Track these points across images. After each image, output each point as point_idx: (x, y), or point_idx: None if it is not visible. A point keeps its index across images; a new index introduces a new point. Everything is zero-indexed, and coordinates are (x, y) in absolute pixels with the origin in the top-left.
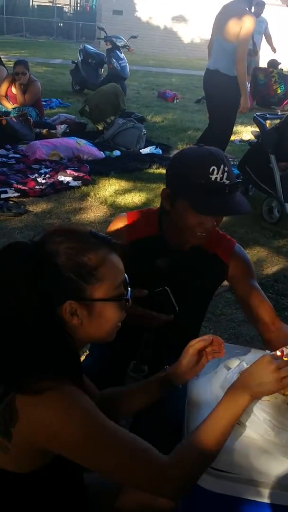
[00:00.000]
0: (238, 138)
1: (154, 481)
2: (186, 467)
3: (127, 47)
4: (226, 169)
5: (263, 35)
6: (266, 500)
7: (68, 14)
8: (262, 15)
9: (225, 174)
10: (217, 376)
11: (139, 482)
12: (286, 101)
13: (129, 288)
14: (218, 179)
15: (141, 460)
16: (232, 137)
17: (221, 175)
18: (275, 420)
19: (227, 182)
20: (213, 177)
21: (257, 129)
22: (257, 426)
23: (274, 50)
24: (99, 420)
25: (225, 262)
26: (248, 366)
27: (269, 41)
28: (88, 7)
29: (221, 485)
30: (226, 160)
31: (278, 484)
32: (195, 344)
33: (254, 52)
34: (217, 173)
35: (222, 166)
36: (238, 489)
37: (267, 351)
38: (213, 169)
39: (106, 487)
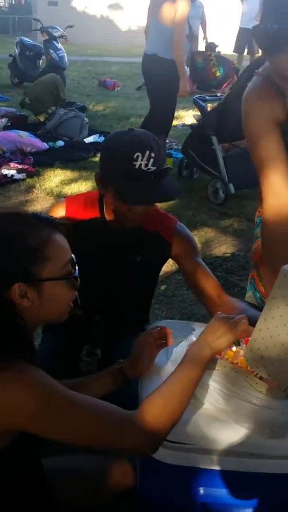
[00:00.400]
0: (180, 122)
1: (122, 435)
2: (151, 419)
3: (64, 37)
4: (152, 155)
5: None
6: (221, 467)
7: (3, 8)
8: None
9: (151, 160)
10: (167, 351)
11: (109, 440)
12: (226, 83)
13: (77, 267)
14: (142, 166)
15: (106, 417)
16: (175, 122)
17: (146, 162)
18: (225, 388)
19: (153, 168)
20: (137, 164)
21: (199, 113)
22: (209, 395)
23: (206, 38)
24: (56, 389)
25: (167, 241)
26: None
27: (204, 28)
28: (23, 0)
29: (177, 456)
30: (155, 145)
31: (231, 451)
32: (143, 338)
33: (192, 38)
34: (141, 160)
35: (147, 152)
36: (193, 459)
37: None
38: (137, 156)
39: (64, 471)
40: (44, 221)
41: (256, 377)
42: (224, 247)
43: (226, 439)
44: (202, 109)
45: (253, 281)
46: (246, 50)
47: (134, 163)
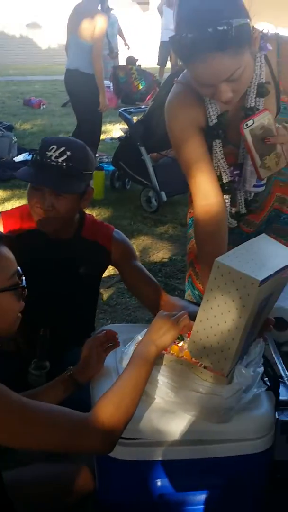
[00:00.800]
0: (108, 136)
1: (79, 438)
2: (105, 419)
3: None
4: (68, 153)
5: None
6: (174, 457)
7: None
8: (111, 13)
9: (64, 156)
10: (115, 353)
11: (66, 444)
12: (149, 96)
13: (23, 278)
14: (52, 157)
15: (61, 421)
16: (103, 136)
17: (57, 154)
18: (172, 381)
19: (60, 160)
20: (49, 154)
21: (126, 126)
22: (158, 390)
23: (127, 45)
24: (9, 395)
25: (106, 249)
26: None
27: (122, 36)
28: None
29: (131, 452)
30: (78, 148)
31: (182, 440)
32: (90, 342)
33: (112, 54)
34: (54, 152)
35: (63, 148)
36: (148, 453)
37: None
38: (53, 148)
39: (23, 482)
40: None
41: (200, 367)
42: (161, 253)
43: (177, 430)
44: (128, 121)
45: (190, 280)
46: (168, 63)
47: (47, 152)
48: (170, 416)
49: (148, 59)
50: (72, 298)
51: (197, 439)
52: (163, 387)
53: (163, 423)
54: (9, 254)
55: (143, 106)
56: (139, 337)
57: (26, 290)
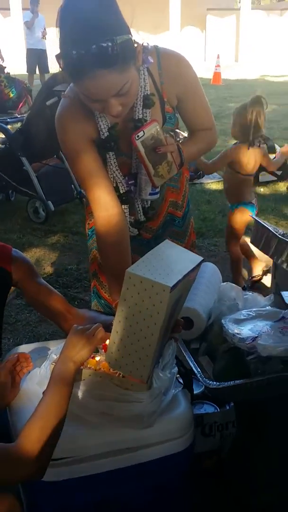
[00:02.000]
0: None
1: (8, 468)
2: (32, 445)
3: None
4: None
5: None
6: (102, 470)
7: None
8: None
9: None
10: (31, 376)
11: None
12: (21, 103)
13: None
14: None
15: None
16: None
17: None
18: (93, 394)
19: None
20: None
21: (2, 135)
22: (79, 406)
23: (1, 57)
24: None
25: (7, 270)
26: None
27: None
28: None
29: (58, 472)
30: None
31: (110, 451)
32: (3, 368)
33: None
34: None
35: None
36: (74, 470)
37: None
38: None
39: None
40: None
41: (119, 377)
42: (55, 264)
43: (103, 442)
44: (5, 131)
45: (95, 290)
46: (37, 69)
47: None
48: (94, 430)
49: (16, 66)
50: None
51: (124, 448)
52: (84, 402)
53: (88, 438)
54: None
55: (19, 116)
56: (54, 356)
57: None
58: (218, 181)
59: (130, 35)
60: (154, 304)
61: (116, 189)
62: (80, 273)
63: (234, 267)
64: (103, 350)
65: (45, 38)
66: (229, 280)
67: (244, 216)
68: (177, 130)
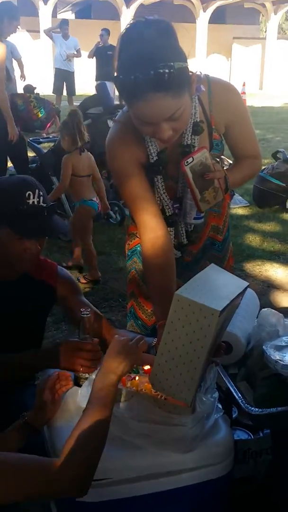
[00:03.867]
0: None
1: (52, 483)
2: (75, 461)
3: None
4: (41, 193)
5: (13, 60)
6: (143, 492)
7: None
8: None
9: (41, 198)
10: (71, 394)
11: (39, 490)
12: (49, 123)
13: None
14: (35, 203)
15: (32, 468)
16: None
17: (38, 199)
18: (135, 416)
19: (44, 205)
20: (30, 202)
21: (33, 154)
22: (122, 427)
23: (23, 77)
24: None
25: (52, 286)
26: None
27: (20, 67)
28: None
29: (99, 493)
30: (39, 185)
31: (150, 474)
32: (43, 386)
33: (10, 80)
34: (33, 198)
35: (37, 190)
36: (115, 492)
37: None
38: (29, 194)
39: None
40: None
41: (162, 399)
42: (82, 283)
43: (143, 464)
44: (38, 151)
45: (132, 310)
46: (64, 91)
47: (28, 201)
48: (135, 452)
49: (44, 88)
50: (21, 340)
51: (164, 471)
52: (125, 424)
53: (129, 460)
54: None
55: (51, 136)
56: (93, 376)
57: None
58: (245, 206)
59: (186, 63)
60: (202, 327)
61: (162, 211)
62: (106, 293)
63: (90, 260)
64: (143, 371)
65: (70, 61)
66: (265, 305)
67: (87, 212)
68: (222, 157)
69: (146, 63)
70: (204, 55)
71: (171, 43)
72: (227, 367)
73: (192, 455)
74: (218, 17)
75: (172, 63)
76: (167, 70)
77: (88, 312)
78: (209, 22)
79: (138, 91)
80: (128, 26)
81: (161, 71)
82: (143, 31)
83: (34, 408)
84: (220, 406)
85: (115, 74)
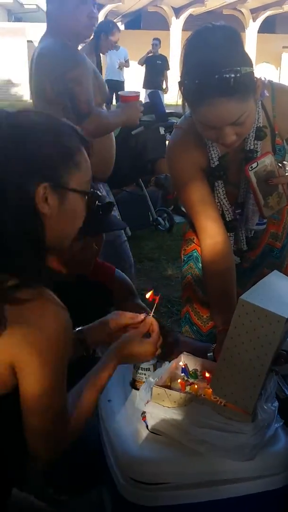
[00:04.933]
0: None
1: (58, 424)
2: (80, 425)
3: None
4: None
5: None
6: (200, 499)
7: None
8: None
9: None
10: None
11: (47, 424)
12: None
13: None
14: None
15: (59, 413)
16: None
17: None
18: (195, 421)
19: (99, 204)
20: None
21: None
22: (181, 432)
23: None
24: (60, 353)
25: (109, 288)
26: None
27: None
28: None
29: (156, 497)
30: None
31: (208, 481)
32: (123, 319)
33: None
34: None
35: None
36: (172, 497)
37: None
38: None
39: None
40: (77, 132)
41: (222, 405)
42: None
43: (201, 470)
44: None
45: (188, 316)
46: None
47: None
48: (194, 457)
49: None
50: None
51: (223, 479)
52: (185, 428)
53: (187, 465)
54: (88, 160)
55: None
56: (152, 380)
57: (96, 199)
58: None
59: (252, 68)
60: (267, 334)
61: (222, 216)
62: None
63: None
64: (201, 376)
65: (121, 69)
66: None
67: None
68: (285, 162)
69: (211, 68)
70: (253, 64)
71: (237, 49)
72: (285, 377)
73: (251, 464)
74: (267, 27)
75: (238, 68)
76: (233, 75)
77: (148, 315)
78: (259, 32)
79: (202, 96)
80: (194, 32)
81: (227, 76)
82: (209, 37)
83: (97, 325)
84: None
85: (180, 79)
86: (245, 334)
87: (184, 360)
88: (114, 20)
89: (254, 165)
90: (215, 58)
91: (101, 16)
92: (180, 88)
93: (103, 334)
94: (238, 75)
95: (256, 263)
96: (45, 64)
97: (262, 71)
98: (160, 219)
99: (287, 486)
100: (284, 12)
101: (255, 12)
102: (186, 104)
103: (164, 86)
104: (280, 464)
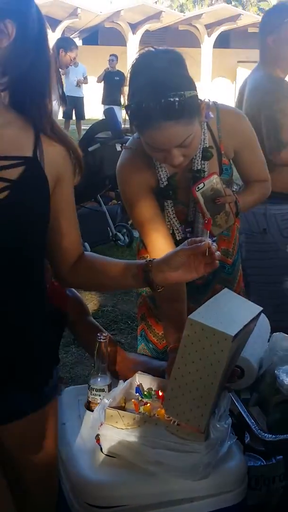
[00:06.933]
0: None
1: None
2: None
3: None
4: None
5: None
6: None
7: None
8: None
9: None
10: (85, 421)
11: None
12: None
13: None
14: None
15: None
16: None
17: None
18: (148, 442)
19: None
20: None
21: None
22: (135, 453)
23: None
24: None
25: (64, 311)
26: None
27: None
28: None
29: None
30: None
31: (163, 501)
32: (186, 251)
33: None
34: None
35: None
36: None
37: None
38: None
39: None
40: None
41: (175, 425)
42: (91, 305)
43: (157, 491)
44: None
45: (143, 333)
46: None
47: None
48: (149, 478)
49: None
50: None
51: (178, 498)
52: (139, 450)
53: (142, 487)
54: None
55: None
56: (106, 401)
57: None
58: None
59: (196, 92)
60: (215, 352)
61: (173, 235)
62: (116, 315)
63: None
64: (155, 397)
65: (80, 86)
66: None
67: None
68: (231, 181)
69: (157, 92)
70: (209, 78)
71: (180, 72)
72: (239, 392)
73: (205, 483)
74: (222, 42)
75: (182, 92)
76: (177, 99)
77: (104, 337)
78: (214, 47)
79: (149, 119)
80: (138, 56)
81: (172, 99)
82: (153, 61)
83: (165, 259)
84: (232, 432)
85: (126, 102)
86: (195, 353)
87: (138, 380)
88: (71, 36)
89: (200, 185)
90: (159, 82)
91: (58, 32)
92: (126, 111)
93: (174, 266)
94: (183, 98)
95: (209, 279)
96: None
97: (218, 85)
98: (119, 234)
99: (242, 502)
100: (237, 28)
101: (210, 27)
102: (133, 126)
103: (122, 102)
104: (234, 481)
